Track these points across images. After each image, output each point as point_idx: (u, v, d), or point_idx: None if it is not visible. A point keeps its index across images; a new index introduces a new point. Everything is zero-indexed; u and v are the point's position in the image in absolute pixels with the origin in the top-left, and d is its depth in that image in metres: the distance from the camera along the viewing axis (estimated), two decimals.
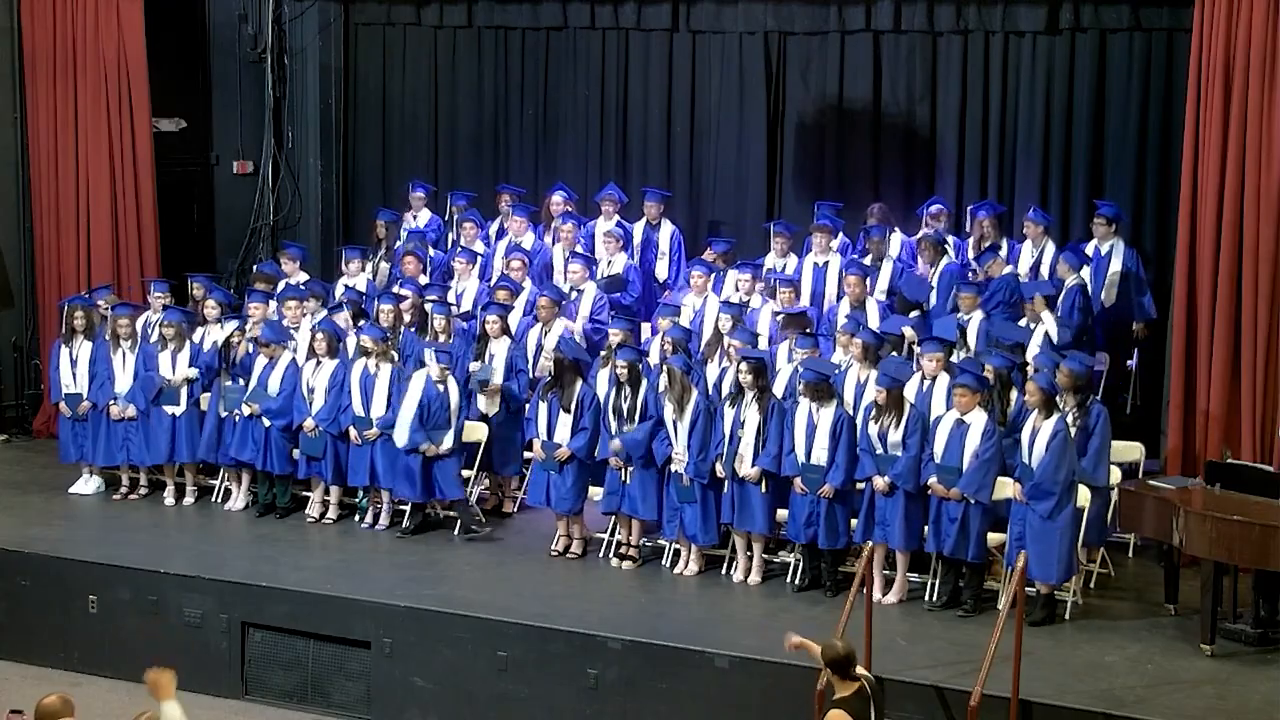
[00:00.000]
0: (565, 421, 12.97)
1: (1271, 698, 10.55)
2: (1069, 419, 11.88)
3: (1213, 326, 13.06)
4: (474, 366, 14.03)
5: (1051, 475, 11.51)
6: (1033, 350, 13.02)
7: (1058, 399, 11.85)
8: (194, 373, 14.24)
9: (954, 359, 12.89)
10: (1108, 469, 12.22)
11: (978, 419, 11.80)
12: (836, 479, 12.14)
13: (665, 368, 12.78)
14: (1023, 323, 13.60)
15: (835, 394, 12.45)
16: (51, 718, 8.13)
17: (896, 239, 15.36)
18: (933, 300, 14.42)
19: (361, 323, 14.31)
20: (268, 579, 12.74)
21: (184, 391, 14.23)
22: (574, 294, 14.94)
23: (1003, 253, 14.69)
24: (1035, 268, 14.72)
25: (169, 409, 14.22)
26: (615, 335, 13.58)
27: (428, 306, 14.52)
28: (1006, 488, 11.86)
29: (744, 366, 12.49)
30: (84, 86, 16.68)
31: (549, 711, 11.49)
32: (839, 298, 14.54)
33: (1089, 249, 14.61)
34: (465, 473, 13.92)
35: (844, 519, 12.27)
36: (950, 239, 15.16)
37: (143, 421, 14.30)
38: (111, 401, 14.30)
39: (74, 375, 14.45)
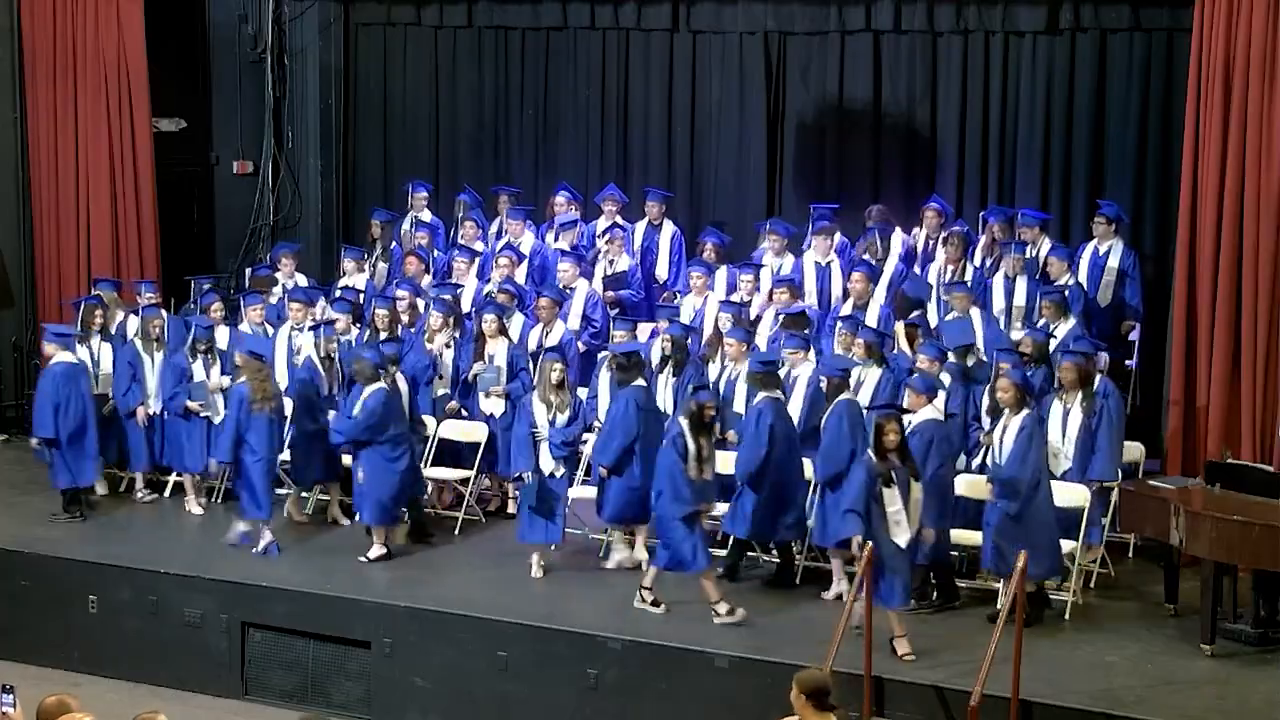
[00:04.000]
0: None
1: (1272, 698, 10.56)
2: (1080, 411, 12.14)
3: (1213, 326, 13.11)
4: (477, 368, 14.05)
5: (1016, 473, 11.51)
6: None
7: (1029, 396, 11.98)
8: (227, 380, 14.07)
9: (969, 362, 13.05)
10: (1111, 465, 12.29)
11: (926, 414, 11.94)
12: (738, 469, 12.30)
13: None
14: (1041, 322, 13.66)
15: (781, 386, 12.57)
16: (56, 712, 8.24)
17: (898, 239, 15.40)
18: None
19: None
20: (268, 579, 12.74)
21: (220, 399, 14.08)
22: (566, 292, 14.93)
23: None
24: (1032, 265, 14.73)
25: (212, 416, 14.06)
26: (619, 336, 13.70)
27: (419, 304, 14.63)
28: (977, 486, 12.02)
29: (613, 360, 12.82)
30: (84, 86, 16.72)
31: (549, 711, 11.48)
32: (844, 297, 14.61)
33: (1087, 250, 14.66)
34: (465, 473, 13.94)
35: (750, 508, 12.28)
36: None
37: (178, 425, 14.23)
38: (141, 404, 14.21)
39: (96, 376, 14.42)
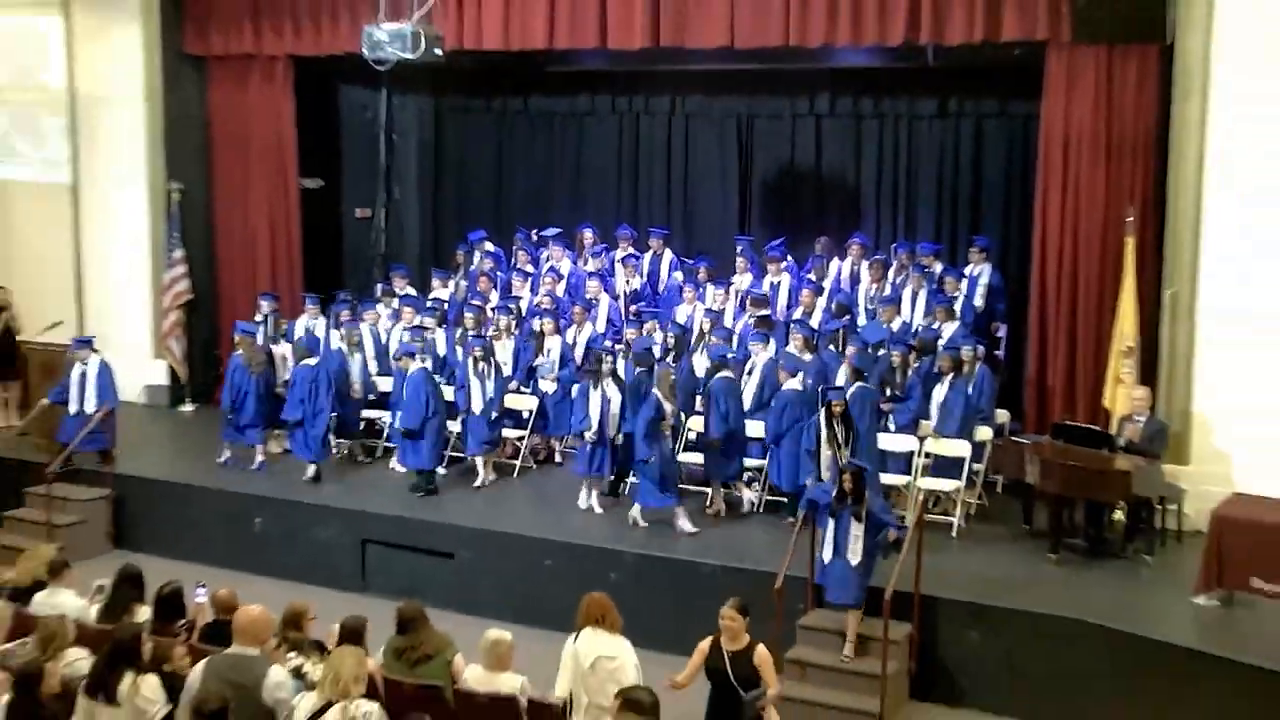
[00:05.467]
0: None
1: (1098, 590, 10.67)
2: (947, 387, 12.20)
3: (1057, 326, 13.09)
4: (539, 360, 14.02)
5: None
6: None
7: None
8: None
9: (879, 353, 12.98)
10: (961, 426, 12.19)
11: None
12: (639, 426, 12.11)
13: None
14: (937, 325, 13.53)
15: (654, 365, 12.50)
16: (227, 601, 8.39)
17: (834, 264, 15.21)
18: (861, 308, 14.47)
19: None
20: (381, 508, 12.81)
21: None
22: (593, 303, 14.84)
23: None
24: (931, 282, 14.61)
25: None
26: (630, 334, 13.68)
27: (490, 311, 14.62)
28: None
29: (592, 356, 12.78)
30: (252, 156, 16.72)
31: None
32: (789, 306, 14.50)
33: (966, 272, 14.52)
34: (522, 432, 13.85)
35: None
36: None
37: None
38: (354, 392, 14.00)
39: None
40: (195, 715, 6.51)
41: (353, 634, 7.99)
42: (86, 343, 14.25)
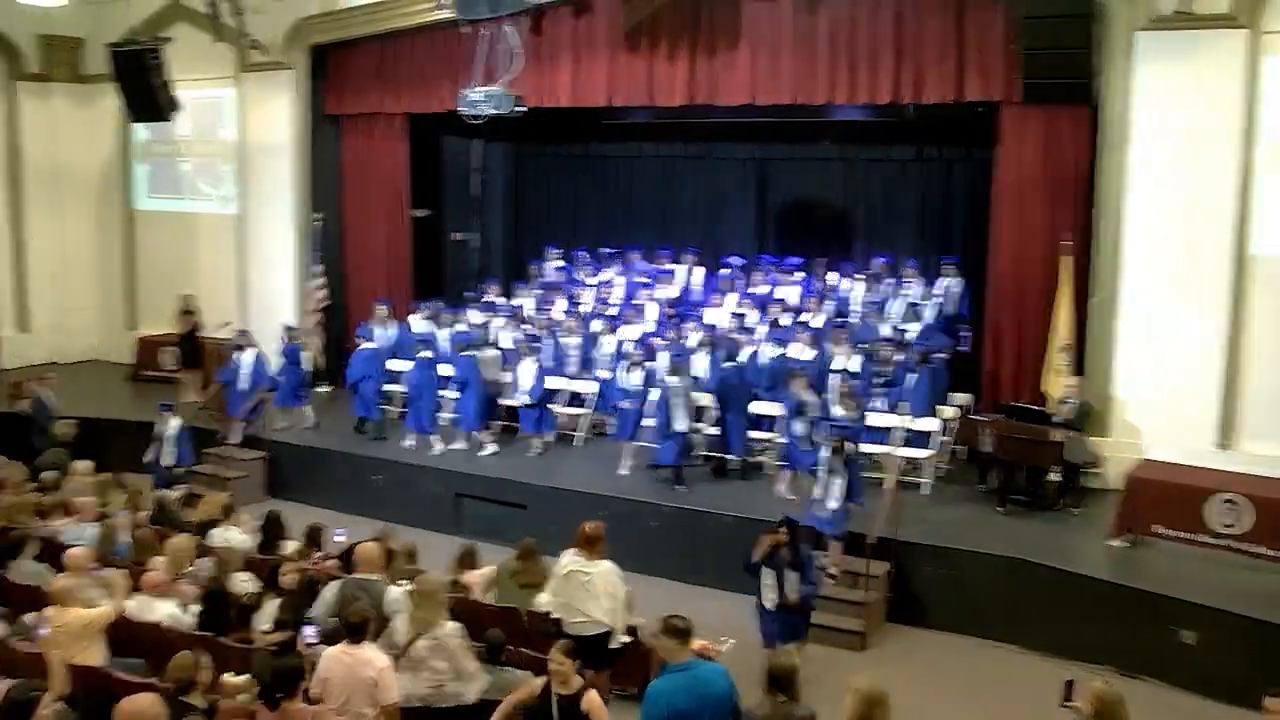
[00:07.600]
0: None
1: (1035, 536, 10.67)
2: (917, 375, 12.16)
3: (1008, 328, 13.11)
4: (598, 354, 14.09)
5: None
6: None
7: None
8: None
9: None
10: (921, 406, 12.19)
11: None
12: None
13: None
14: (904, 325, 13.59)
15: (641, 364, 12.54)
16: (381, 534, 8.63)
17: (833, 277, 15.26)
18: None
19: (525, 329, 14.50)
20: (472, 469, 12.91)
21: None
22: (641, 308, 14.97)
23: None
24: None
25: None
26: (671, 334, 13.66)
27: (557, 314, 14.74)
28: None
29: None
30: (374, 192, 16.88)
31: (629, 544, 11.02)
32: (799, 311, 14.48)
33: (940, 284, 14.54)
34: (584, 410, 13.74)
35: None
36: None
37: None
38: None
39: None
40: (344, 621, 6.67)
41: (468, 555, 8.91)
42: (244, 334, 14.53)
